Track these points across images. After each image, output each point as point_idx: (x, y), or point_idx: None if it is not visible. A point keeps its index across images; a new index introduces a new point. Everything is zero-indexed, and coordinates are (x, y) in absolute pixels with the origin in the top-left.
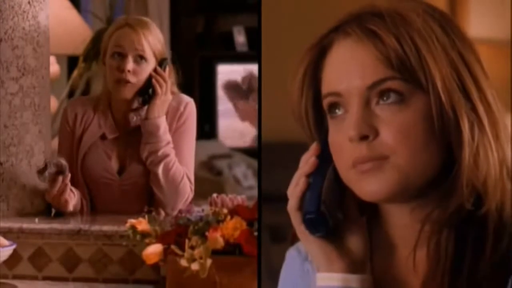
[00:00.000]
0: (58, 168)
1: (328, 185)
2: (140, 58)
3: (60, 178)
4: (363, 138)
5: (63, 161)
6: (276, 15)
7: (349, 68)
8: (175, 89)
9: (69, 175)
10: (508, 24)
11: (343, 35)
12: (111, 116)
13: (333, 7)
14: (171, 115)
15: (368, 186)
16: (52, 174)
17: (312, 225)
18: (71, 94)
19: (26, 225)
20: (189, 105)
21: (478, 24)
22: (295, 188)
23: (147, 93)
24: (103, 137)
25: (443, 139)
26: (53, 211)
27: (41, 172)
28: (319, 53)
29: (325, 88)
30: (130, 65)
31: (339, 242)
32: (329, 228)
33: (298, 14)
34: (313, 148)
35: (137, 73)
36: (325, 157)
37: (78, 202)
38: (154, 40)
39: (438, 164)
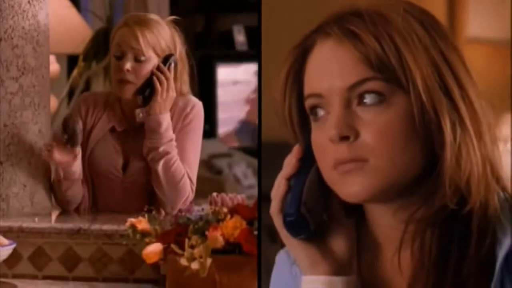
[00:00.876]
0: (70, 131)
1: (310, 186)
2: (140, 57)
3: (64, 137)
4: (344, 138)
5: (79, 130)
6: (276, 14)
7: (329, 69)
8: (186, 89)
9: (73, 148)
10: (508, 23)
11: (324, 36)
12: (121, 110)
13: (333, 6)
14: (177, 115)
15: (349, 187)
16: (62, 132)
17: (293, 228)
18: (71, 93)
19: (26, 224)
20: (196, 106)
21: (477, 24)
22: (277, 191)
23: (146, 91)
24: (112, 130)
25: (425, 139)
26: (53, 211)
27: (66, 122)
28: (301, 55)
29: (307, 89)
30: (128, 64)
31: (323, 244)
32: (310, 231)
33: (298, 13)
34: (295, 150)
35: (137, 72)
36: (308, 159)
37: (79, 194)
38: (154, 38)
39: (420, 164)
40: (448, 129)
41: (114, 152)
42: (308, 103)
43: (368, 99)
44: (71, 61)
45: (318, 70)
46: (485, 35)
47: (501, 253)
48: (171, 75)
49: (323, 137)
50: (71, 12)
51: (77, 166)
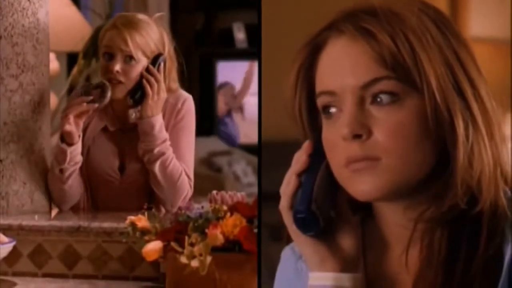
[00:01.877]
0: (101, 91)
1: (320, 183)
2: (129, 58)
3: (89, 97)
4: (356, 136)
5: (108, 92)
6: (276, 11)
7: (342, 67)
8: (175, 86)
9: (96, 106)
10: (509, 23)
11: (337, 33)
12: (112, 110)
13: (334, 4)
14: (169, 112)
15: (360, 186)
16: (90, 93)
17: (303, 225)
18: (70, 91)
19: (25, 222)
20: (187, 101)
21: (478, 23)
22: (287, 187)
23: (136, 94)
24: (105, 129)
25: (437, 138)
26: (53, 209)
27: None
28: (313, 51)
29: (319, 86)
30: (118, 66)
31: (331, 241)
32: (320, 227)
33: (299, 11)
34: (305, 146)
35: (127, 73)
36: (317, 155)
37: (77, 188)
38: (143, 40)
39: (431, 163)
40: (461, 129)
41: (110, 153)
42: (320, 100)
43: (381, 99)
44: (71, 59)
45: (331, 68)
46: (487, 35)
47: (509, 251)
48: (161, 76)
49: (334, 134)
50: (71, 10)
51: (79, 148)
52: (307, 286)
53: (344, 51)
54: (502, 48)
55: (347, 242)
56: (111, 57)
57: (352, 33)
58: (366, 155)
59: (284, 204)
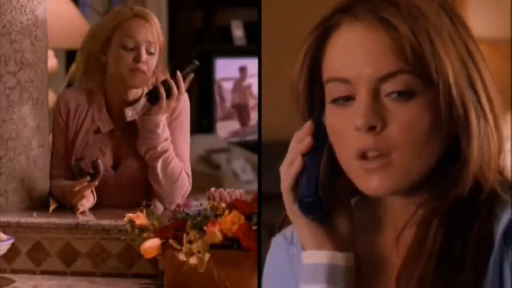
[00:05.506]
0: (93, 170)
1: (322, 168)
2: (150, 49)
3: (87, 179)
4: (371, 128)
5: (101, 166)
6: (276, 8)
7: (359, 55)
8: (163, 78)
9: (97, 183)
10: (508, 23)
11: (353, 19)
12: (106, 109)
13: (333, 2)
14: None
15: (372, 183)
16: (85, 172)
17: (309, 209)
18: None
19: (24, 219)
20: (182, 98)
21: (477, 23)
22: (290, 168)
23: (153, 93)
24: (97, 131)
25: (449, 132)
26: (51, 206)
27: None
28: (323, 33)
29: (329, 71)
30: (145, 56)
31: (329, 224)
32: (324, 212)
33: (298, 8)
34: (308, 126)
35: (149, 64)
36: (319, 138)
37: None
38: (159, 33)
39: (439, 155)
40: (475, 123)
41: (101, 154)
42: (330, 86)
43: (397, 93)
44: (69, 56)
45: (345, 54)
46: (485, 35)
47: (500, 228)
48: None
49: (345, 123)
50: (70, 7)
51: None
52: (301, 267)
53: (361, 39)
54: (501, 48)
55: (344, 226)
56: (134, 47)
57: (371, 21)
58: (377, 147)
59: (286, 185)
